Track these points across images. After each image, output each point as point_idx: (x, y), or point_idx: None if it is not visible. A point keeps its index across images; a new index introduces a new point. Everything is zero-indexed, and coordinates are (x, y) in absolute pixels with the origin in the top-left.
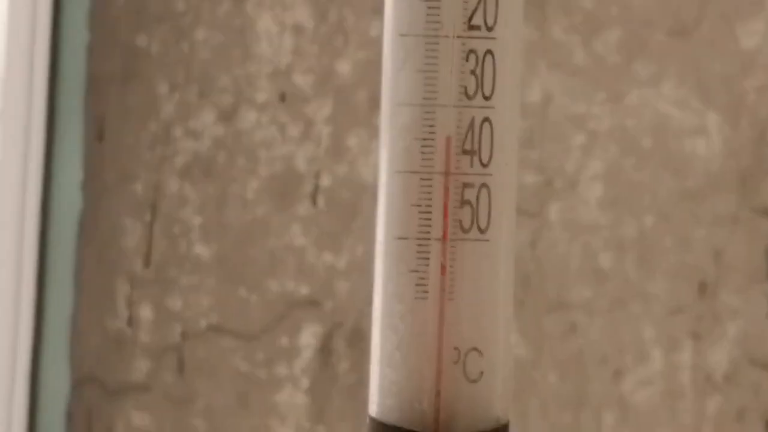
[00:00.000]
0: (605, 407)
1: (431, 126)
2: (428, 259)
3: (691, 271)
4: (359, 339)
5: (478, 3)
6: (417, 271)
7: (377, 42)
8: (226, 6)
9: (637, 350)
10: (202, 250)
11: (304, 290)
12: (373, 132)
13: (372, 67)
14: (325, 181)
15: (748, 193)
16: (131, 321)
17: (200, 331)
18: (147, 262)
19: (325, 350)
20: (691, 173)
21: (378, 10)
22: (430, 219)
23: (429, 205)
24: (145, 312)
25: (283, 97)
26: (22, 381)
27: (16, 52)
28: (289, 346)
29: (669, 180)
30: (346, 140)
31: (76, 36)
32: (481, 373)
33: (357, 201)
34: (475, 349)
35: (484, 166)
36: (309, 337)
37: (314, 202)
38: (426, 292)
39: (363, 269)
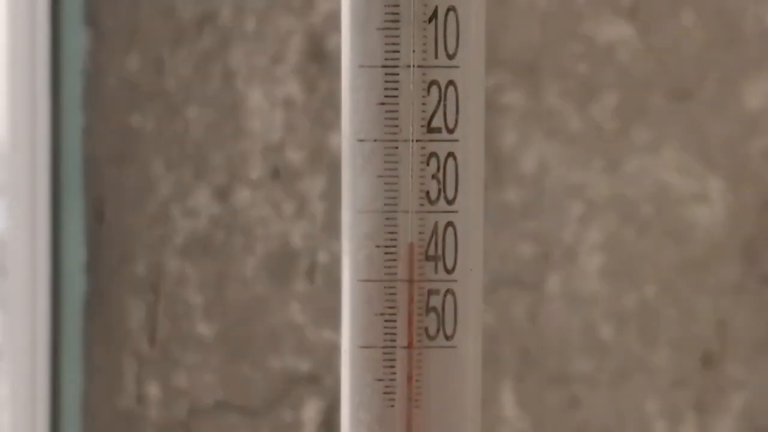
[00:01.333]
0: None
1: (392, 233)
2: (394, 367)
3: (695, 342)
4: None
5: (438, 105)
6: (383, 380)
7: None
8: (216, 83)
9: (640, 423)
10: (204, 329)
11: (304, 366)
12: None
13: None
14: (322, 257)
15: (752, 261)
16: (140, 399)
17: (207, 408)
18: (152, 341)
19: (327, 425)
20: (693, 242)
21: None
22: (395, 327)
23: (393, 314)
24: (153, 390)
25: (276, 174)
26: None
27: (19, 135)
28: (293, 421)
29: (671, 249)
30: (340, 216)
31: (72, 119)
32: None
33: None
34: None
35: (449, 272)
36: (311, 412)
37: (311, 279)
38: (393, 400)
39: None
